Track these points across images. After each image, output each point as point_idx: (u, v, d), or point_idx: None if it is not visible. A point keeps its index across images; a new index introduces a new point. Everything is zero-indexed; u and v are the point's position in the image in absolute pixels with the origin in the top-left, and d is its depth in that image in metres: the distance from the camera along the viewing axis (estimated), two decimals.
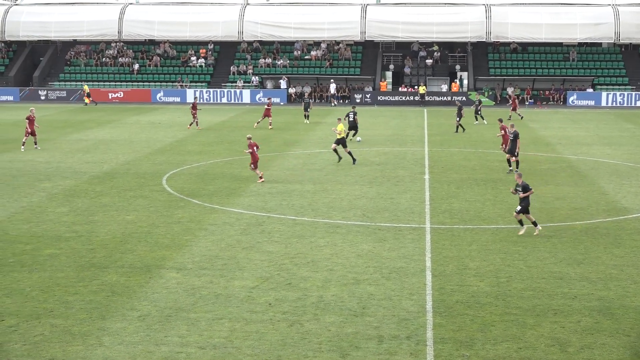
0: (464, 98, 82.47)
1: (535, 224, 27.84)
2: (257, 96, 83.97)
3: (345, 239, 27.54)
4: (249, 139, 37.88)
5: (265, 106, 62.22)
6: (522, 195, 28.29)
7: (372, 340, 18.52)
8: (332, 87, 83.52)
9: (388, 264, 24.57)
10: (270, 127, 59.85)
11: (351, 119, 52.03)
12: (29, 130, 49.02)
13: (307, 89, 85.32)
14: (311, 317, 20.01)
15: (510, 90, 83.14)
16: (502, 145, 43.75)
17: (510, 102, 70.86)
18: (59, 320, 19.83)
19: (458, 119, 58.08)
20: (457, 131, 57.97)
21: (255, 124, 60.45)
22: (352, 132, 52.09)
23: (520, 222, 28.45)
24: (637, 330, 19.10)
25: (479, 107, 66.00)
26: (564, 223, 29.99)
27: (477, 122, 64.45)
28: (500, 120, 46.08)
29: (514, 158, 40.20)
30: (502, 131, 43.49)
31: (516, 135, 39.99)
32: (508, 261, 24.89)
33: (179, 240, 27.50)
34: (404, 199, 34.28)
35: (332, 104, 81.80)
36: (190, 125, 59.71)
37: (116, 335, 18.87)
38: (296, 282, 22.81)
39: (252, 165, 37.55)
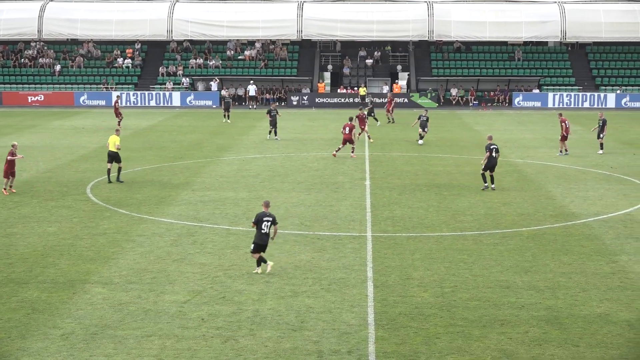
0: (406, 99, 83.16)
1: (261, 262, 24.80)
2: (188, 99, 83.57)
3: (282, 249, 27.50)
4: None
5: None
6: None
7: (311, 356, 18.51)
8: (252, 89, 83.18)
9: (327, 275, 24.60)
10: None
11: (272, 114, 55.03)
12: None
13: (241, 91, 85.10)
14: (247, 333, 19.94)
15: (386, 89, 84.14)
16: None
17: (387, 102, 70.72)
18: None
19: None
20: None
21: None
22: (272, 129, 55.18)
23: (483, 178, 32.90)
24: (586, 340, 19.39)
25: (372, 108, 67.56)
26: (510, 229, 30.34)
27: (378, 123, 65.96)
28: (560, 114, 49.85)
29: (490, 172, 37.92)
30: (563, 124, 47.45)
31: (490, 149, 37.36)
32: (453, 270, 25.09)
33: (105, 253, 27.21)
34: (344, 206, 34.36)
35: (251, 107, 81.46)
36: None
37: (37, 356, 18.60)
38: (230, 296, 22.72)
39: None
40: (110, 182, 39.24)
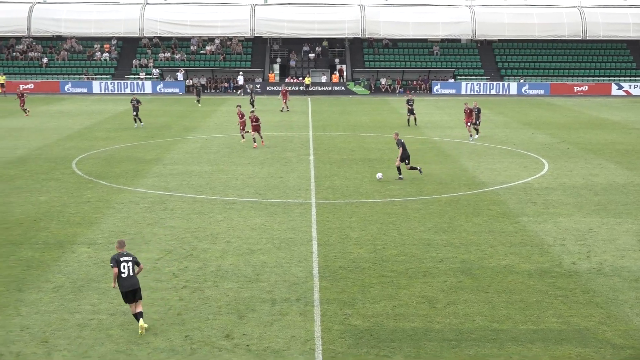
0: (343, 88, 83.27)
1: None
2: (158, 87, 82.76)
3: (240, 214, 27.50)
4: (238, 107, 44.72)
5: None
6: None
7: (266, 303, 18.60)
8: (241, 79, 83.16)
9: (279, 235, 24.67)
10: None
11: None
12: None
13: (203, 80, 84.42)
14: (211, 284, 19.96)
15: (324, 78, 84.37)
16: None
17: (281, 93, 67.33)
18: None
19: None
20: (409, 124, 54.30)
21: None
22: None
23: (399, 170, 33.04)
24: (494, 287, 19.72)
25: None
26: (431, 196, 30.64)
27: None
28: (465, 103, 48.83)
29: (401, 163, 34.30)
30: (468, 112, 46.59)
31: (402, 144, 33.98)
32: (384, 230, 25.30)
33: (89, 218, 26.99)
34: (292, 178, 34.41)
35: (239, 94, 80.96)
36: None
37: (32, 306, 18.45)
38: (197, 254, 22.69)
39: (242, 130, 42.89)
40: None
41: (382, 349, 15.94)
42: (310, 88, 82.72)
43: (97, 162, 38.54)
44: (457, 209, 28.46)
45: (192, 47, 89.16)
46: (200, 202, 29.57)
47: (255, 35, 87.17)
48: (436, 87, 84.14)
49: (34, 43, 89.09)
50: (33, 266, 21.50)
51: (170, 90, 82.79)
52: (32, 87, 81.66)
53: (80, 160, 39.02)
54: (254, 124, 42.89)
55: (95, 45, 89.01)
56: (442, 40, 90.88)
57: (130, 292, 16.81)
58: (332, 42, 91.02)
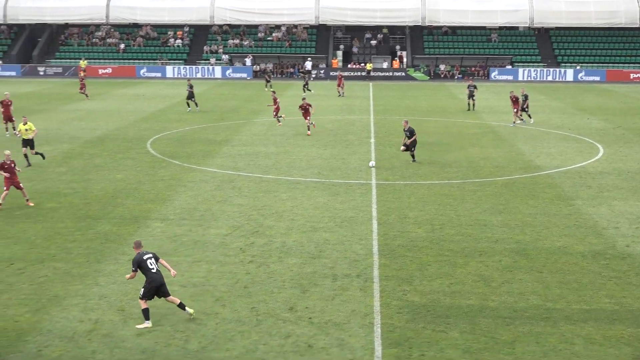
0: (403, 73, 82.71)
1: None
2: (227, 72, 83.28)
3: (304, 194, 27.60)
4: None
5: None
6: (409, 141, 32.59)
7: (327, 278, 18.67)
8: (308, 64, 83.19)
9: (340, 214, 24.70)
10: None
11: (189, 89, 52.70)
12: (5, 114, 41.55)
13: (270, 66, 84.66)
14: (276, 260, 20.10)
15: (385, 64, 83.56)
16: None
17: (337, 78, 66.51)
18: (61, 264, 19.73)
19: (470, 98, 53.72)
20: (469, 109, 53.34)
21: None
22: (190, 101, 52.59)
23: (412, 156, 32.78)
24: (548, 267, 19.46)
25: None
26: (487, 179, 30.31)
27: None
28: (512, 92, 47.30)
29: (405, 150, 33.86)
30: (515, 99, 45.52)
31: (412, 132, 33.44)
32: (441, 211, 25.13)
33: (163, 195, 27.38)
34: (354, 159, 34.36)
35: (306, 78, 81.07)
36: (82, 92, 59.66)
37: (110, 276, 18.84)
38: (263, 230, 22.86)
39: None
40: (29, 165, 32.59)
41: (438, 325, 15.88)
42: (372, 74, 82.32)
43: (170, 142, 39.03)
44: (513, 191, 28.09)
45: (259, 34, 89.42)
46: (266, 181, 29.74)
47: (320, 22, 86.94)
48: (494, 73, 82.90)
49: (112, 30, 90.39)
50: (110, 239, 21.93)
51: (238, 75, 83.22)
52: (110, 71, 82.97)
53: (154, 140, 39.56)
54: (305, 110, 41.75)
55: (169, 32, 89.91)
56: (500, 28, 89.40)
57: (161, 287, 16.06)
58: (393, 29, 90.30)
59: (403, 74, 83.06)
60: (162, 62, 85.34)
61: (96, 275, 18.90)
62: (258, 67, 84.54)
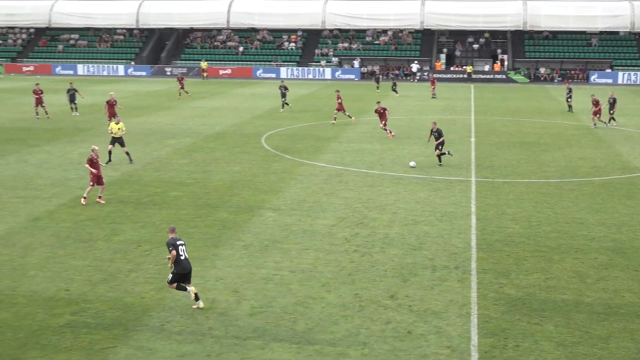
0: (504, 76, 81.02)
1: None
2: (337, 73, 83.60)
3: (406, 189, 27.44)
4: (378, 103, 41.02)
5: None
6: (438, 142, 31.53)
7: (427, 269, 18.51)
8: (415, 67, 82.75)
9: (441, 209, 24.43)
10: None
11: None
12: (110, 113, 41.30)
13: (376, 68, 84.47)
14: (379, 250, 20.06)
15: (487, 67, 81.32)
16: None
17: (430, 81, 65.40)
18: None
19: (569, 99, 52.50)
20: (569, 110, 52.03)
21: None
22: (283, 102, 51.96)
23: (439, 158, 31.41)
24: None
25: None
26: (585, 178, 29.35)
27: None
28: (593, 95, 46.07)
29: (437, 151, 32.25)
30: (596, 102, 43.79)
31: (440, 133, 32.07)
32: (538, 208, 24.50)
33: (275, 187, 27.73)
34: (454, 158, 33.89)
35: (412, 80, 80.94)
36: (179, 95, 60.08)
37: (226, 260, 19.22)
38: (367, 222, 22.85)
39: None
40: (110, 160, 31.75)
41: (533, 317, 15.49)
42: (472, 76, 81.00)
43: (283, 138, 39.49)
44: (610, 191, 27.09)
45: (367, 38, 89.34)
46: (371, 176, 29.71)
47: (425, 27, 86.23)
48: (593, 77, 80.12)
49: (232, 34, 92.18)
50: (227, 226, 22.37)
51: (347, 76, 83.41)
52: (230, 72, 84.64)
53: (268, 136, 40.12)
54: (380, 114, 39.89)
55: (284, 36, 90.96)
56: (601, 32, 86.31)
57: (187, 274, 15.99)
58: (495, 33, 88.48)
59: (504, 76, 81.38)
60: (277, 64, 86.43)
61: (214, 258, 19.32)
62: (365, 69, 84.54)
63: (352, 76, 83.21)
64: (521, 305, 16.14)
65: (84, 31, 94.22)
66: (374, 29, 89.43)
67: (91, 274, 18.06)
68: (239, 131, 41.97)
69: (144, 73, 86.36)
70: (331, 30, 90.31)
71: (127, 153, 32.38)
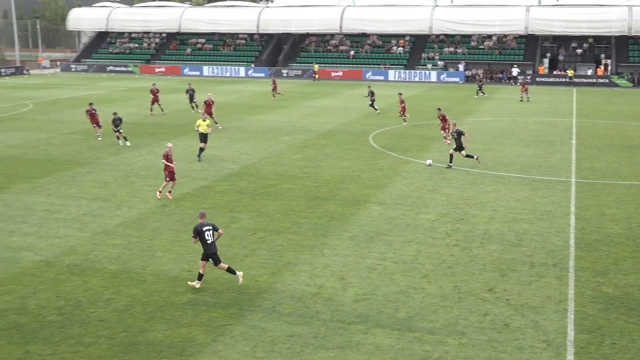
0: (607, 80, 77.81)
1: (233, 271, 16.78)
2: (442, 76, 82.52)
3: (506, 187, 26.81)
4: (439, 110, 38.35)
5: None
6: (462, 142, 29.94)
7: (525, 265, 18.04)
8: (515, 71, 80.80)
9: (540, 208, 23.74)
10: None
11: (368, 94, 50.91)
12: (206, 111, 40.85)
13: (480, 72, 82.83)
14: (478, 245, 19.71)
15: (590, 71, 77.89)
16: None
17: (521, 85, 62.91)
18: (294, 236, 20.53)
19: None
20: None
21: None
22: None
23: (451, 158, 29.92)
24: None
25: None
26: None
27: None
28: None
29: (461, 152, 30.62)
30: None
31: (460, 133, 30.46)
32: (639, 210, 23.41)
33: (381, 182, 27.69)
34: (555, 159, 32.86)
35: (512, 83, 78.94)
36: (274, 97, 59.93)
37: (333, 249, 19.35)
38: (468, 218, 22.49)
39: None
40: (199, 160, 31.65)
41: (631, 317, 14.83)
42: (574, 80, 78.15)
43: (389, 137, 39.34)
44: None
45: (472, 43, 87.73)
46: (472, 175, 29.19)
47: (529, 32, 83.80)
48: None
49: (344, 39, 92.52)
50: (335, 218, 22.51)
51: (451, 79, 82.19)
52: (341, 74, 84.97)
53: (375, 135, 40.06)
54: (443, 120, 37.24)
55: (392, 41, 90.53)
56: None
57: (213, 256, 16.22)
58: (598, 39, 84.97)
59: (606, 80, 78.10)
60: (385, 67, 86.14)
61: (322, 247, 19.49)
62: (470, 72, 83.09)
63: (457, 79, 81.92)
64: (619, 304, 15.48)
65: (209, 36, 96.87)
66: (479, 34, 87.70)
67: None
68: (348, 129, 42.10)
69: (262, 74, 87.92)
70: (437, 36, 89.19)
71: (202, 149, 31.71)
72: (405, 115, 44.33)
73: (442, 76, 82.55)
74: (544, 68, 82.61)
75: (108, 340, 13.79)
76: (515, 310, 15.18)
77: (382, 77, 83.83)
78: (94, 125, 37.43)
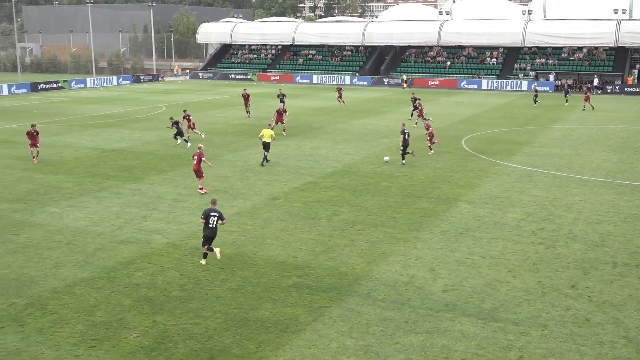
0: None
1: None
2: (533, 85, 79.81)
3: (592, 191, 25.66)
4: None
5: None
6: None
7: (608, 265, 17.22)
8: (596, 81, 77.35)
9: (624, 211, 22.58)
10: None
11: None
12: (277, 119, 39.77)
13: (569, 82, 79.55)
14: (562, 244, 18.97)
15: (597, 83, 73.14)
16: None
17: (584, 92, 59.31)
18: (389, 229, 20.44)
19: None
20: None
21: None
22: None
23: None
24: None
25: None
26: None
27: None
28: None
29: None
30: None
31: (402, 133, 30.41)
32: None
33: (471, 182, 27.13)
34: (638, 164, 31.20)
35: (595, 93, 75.54)
36: (343, 103, 57.99)
37: (425, 242, 19.13)
38: (553, 218, 21.69)
39: None
40: (263, 165, 30.60)
41: None
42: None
43: (480, 141, 38.47)
44: None
45: (563, 55, 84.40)
46: (559, 178, 28.13)
47: (619, 45, 79.75)
48: None
49: (441, 50, 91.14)
50: (428, 214, 22.25)
51: (542, 88, 79.33)
52: (438, 83, 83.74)
53: (468, 139, 39.26)
54: None
55: (486, 52, 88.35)
56: None
57: (208, 239, 16.98)
58: None
59: None
60: (479, 77, 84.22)
61: (415, 240, 19.31)
62: (560, 82, 79.98)
63: (547, 88, 79.03)
64: None
65: (319, 47, 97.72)
66: (570, 46, 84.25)
67: (314, 246, 18.77)
68: (443, 133, 41.42)
69: (365, 83, 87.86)
70: (530, 48, 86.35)
71: (266, 157, 30.73)
72: (432, 142, 34.17)
73: (533, 85, 79.79)
74: (632, 78, 78.47)
75: (222, 315, 14.18)
76: (597, 306, 14.52)
77: (475, 86, 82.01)
78: (188, 128, 37.38)
